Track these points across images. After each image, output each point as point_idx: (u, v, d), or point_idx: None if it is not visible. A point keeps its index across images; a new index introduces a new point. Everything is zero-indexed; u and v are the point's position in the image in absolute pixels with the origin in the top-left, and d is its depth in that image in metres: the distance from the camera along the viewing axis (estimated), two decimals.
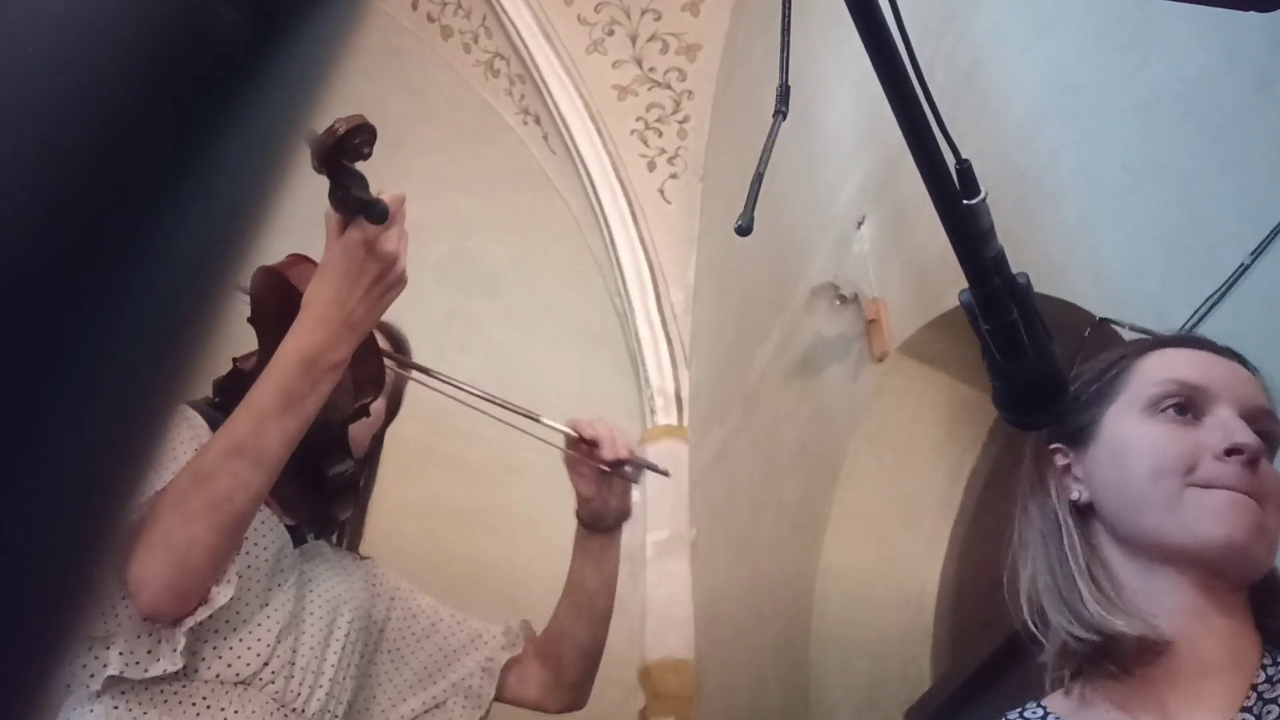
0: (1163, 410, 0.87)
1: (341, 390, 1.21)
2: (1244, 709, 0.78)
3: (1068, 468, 0.92)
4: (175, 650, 1.07)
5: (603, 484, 1.42)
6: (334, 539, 1.40)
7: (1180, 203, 1.64)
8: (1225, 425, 0.85)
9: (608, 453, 1.41)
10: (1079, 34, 2.00)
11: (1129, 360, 0.93)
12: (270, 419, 1.08)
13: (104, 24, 0.16)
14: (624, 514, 1.46)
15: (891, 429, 2.63)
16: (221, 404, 1.30)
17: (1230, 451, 0.83)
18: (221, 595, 1.09)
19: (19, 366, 0.16)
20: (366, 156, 1.08)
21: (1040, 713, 0.86)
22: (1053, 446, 0.94)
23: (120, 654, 1.06)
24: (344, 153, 1.06)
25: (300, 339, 1.10)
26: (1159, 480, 0.84)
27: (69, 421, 0.17)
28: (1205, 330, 1.55)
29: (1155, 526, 0.84)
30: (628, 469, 1.44)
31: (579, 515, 1.46)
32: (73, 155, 0.16)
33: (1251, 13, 0.54)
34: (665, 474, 1.59)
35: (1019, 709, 0.89)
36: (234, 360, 1.35)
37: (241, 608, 1.15)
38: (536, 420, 1.46)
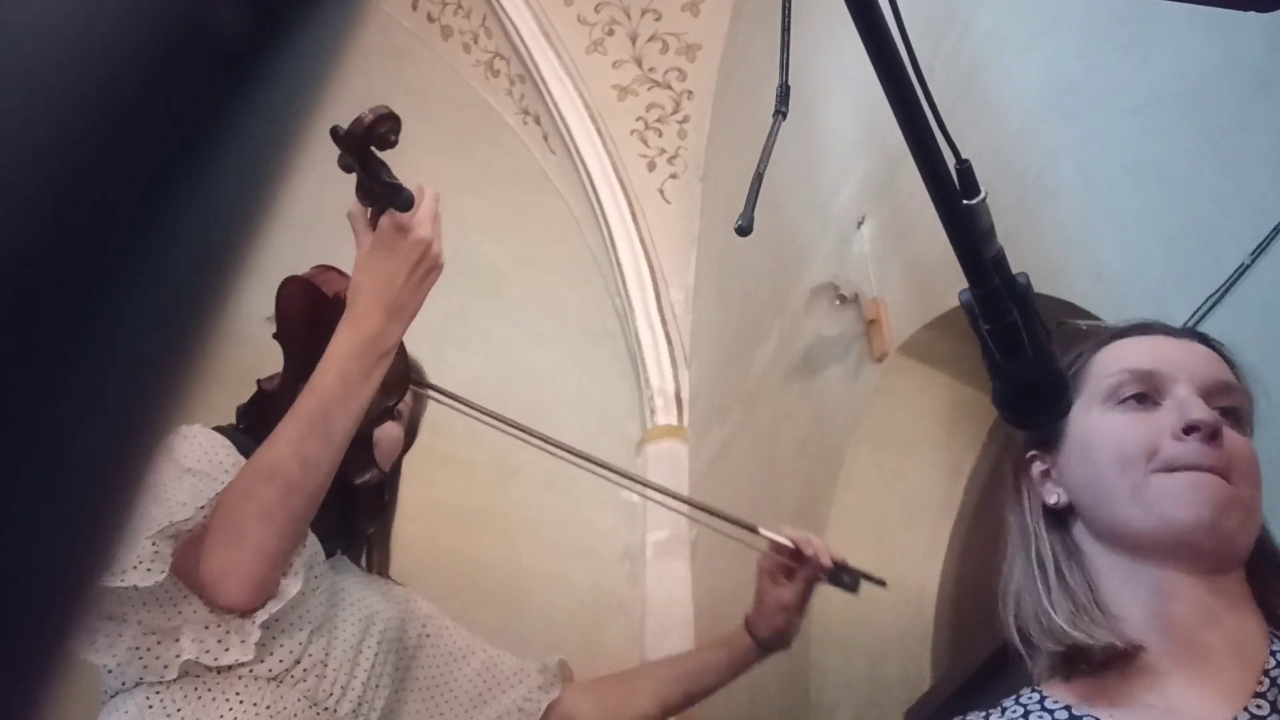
0: (1121, 401, 0.87)
1: None
2: (1257, 694, 0.76)
3: (1046, 472, 0.92)
4: (245, 641, 1.10)
5: (804, 600, 1.45)
6: (362, 561, 1.41)
7: (1180, 203, 1.64)
8: (1182, 404, 0.84)
9: (826, 559, 1.45)
10: (1079, 34, 2.00)
11: (1085, 356, 0.93)
12: (334, 406, 1.12)
13: (102, 24, 0.16)
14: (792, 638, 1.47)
15: (891, 429, 2.63)
16: (248, 428, 1.31)
17: (1188, 430, 0.82)
18: (291, 587, 1.12)
19: (16, 372, 0.16)
20: (393, 144, 1.11)
21: (1036, 697, 0.85)
22: (1029, 454, 0.94)
23: (194, 641, 1.09)
24: (372, 141, 1.09)
25: (355, 326, 1.15)
26: (1124, 470, 0.84)
27: (68, 428, 0.17)
28: (1205, 330, 1.55)
29: (1126, 517, 0.83)
30: (845, 578, 1.46)
31: (757, 629, 1.48)
32: (71, 157, 0.16)
33: (1251, 13, 0.54)
34: (882, 584, 1.58)
35: (1014, 695, 0.88)
36: (258, 382, 1.36)
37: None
38: (755, 532, 1.51)
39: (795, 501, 2.90)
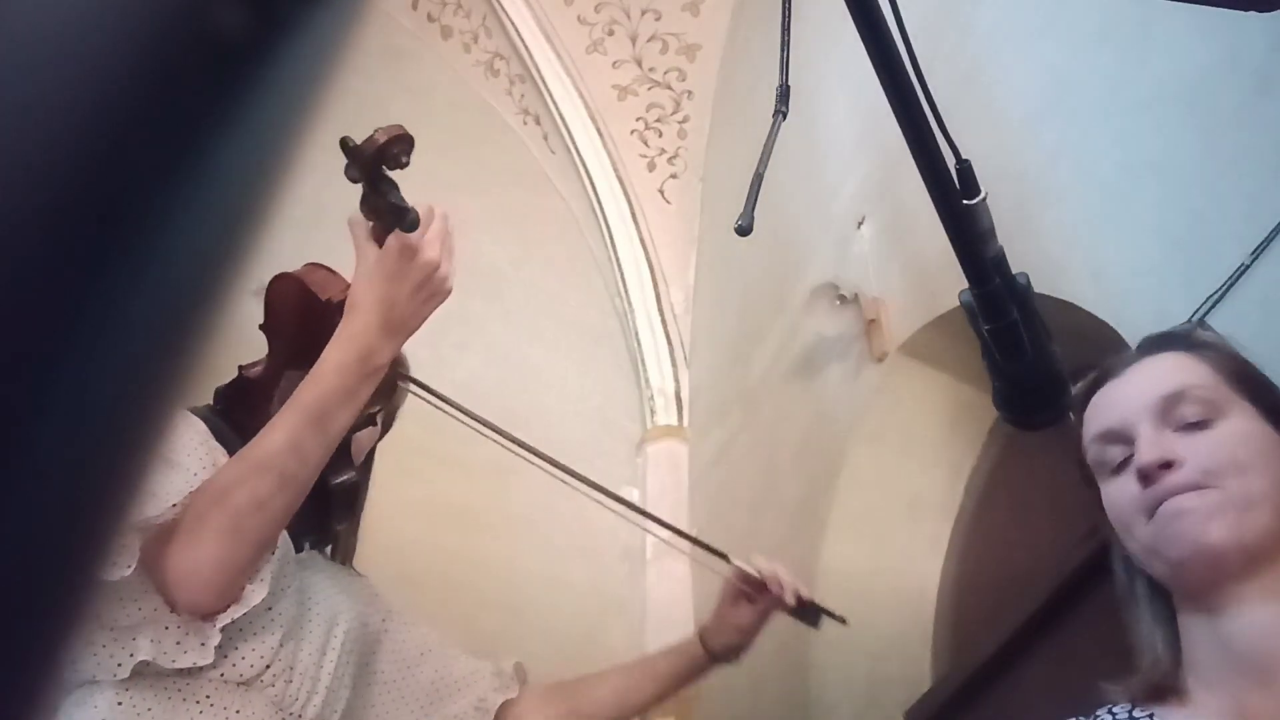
0: (1115, 471, 0.90)
1: None
2: None
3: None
4: (205, 645, 1.09)
5: (759, 624, 1.51)
6: (329, 552, 1.41)
7: (1180, 203, 1.64)
8: (1139, 452, 0.87)
9: (789, 597, 1.49)
10: (1079, 33, 2.00)
11: (1079, 426, 0.96)
12: (313, 423, 1.10)
13: (101, 24, 0.16)
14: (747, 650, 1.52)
15: (891, 429, 2.62)
16: (225, 410, 1.30)
17: (1143, 480, 0.85)
18: (256, 594, 1.11)
19: (19, 369, 0.16)
20: (405, 165, 1.11)
21: (1126, 709, 0.87)
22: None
23: (151, 641, 1.08)
24: (384, 160, 1.09)
25: (349, 340, 1.13)
26: (1131, 535, 0.87)
27: (69, 424, 0.17)
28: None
29: (1156, 572, 0.87)
30: (806, 614, 1.51)
31: (710, 640, 1.51)
32: (70, 157, 0.16)
33: (1251, 13, 0.54)
34: (843, 621, 1.63)
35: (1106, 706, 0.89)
36: (240, 368, 1.36)
37: (248, 610, 1.15)
38: (726, 560, 1.54)
39: (795, 501, 2.89)
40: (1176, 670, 0.85)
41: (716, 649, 1.52)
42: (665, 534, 1.61)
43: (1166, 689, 0.84)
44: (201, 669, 1.11)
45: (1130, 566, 0.92)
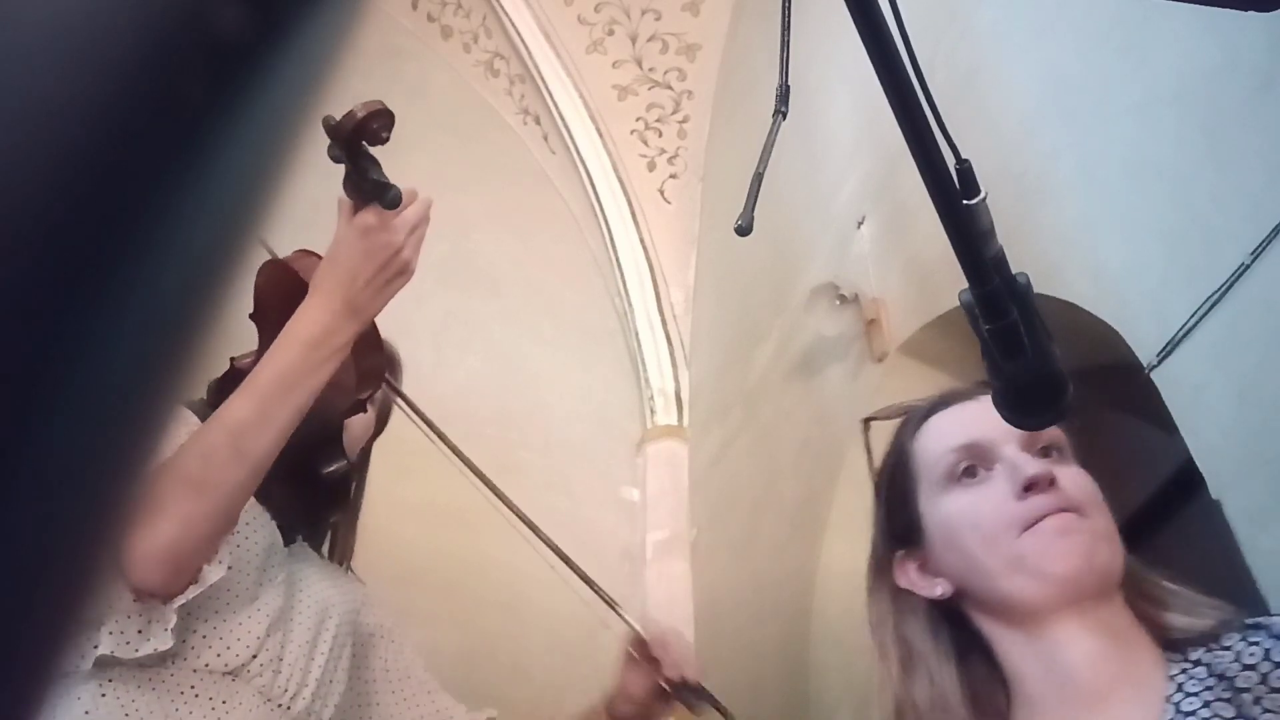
0: (958, 480, 0.89)
1: (341, 385, 1.21)
2: None
3: (922, 567, 0.93)
4: (166, 630, 1.07)
5: (657, 697, 1.41)
6: (324, 551, 1.40)
7: (1180, 203, 1.64)
8: (1012, 466, 0.87)
9: (670, 672, 1.39)
10: (1079, 34, 2.00)
11: (906, 446, 0.97)
12: (272, 399, 1.09)
13: (101, 23, 0.16)
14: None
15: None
16: (218, 404, 1.30)
17: (1027, 487, 0.85)
18: (213, 574, 1.09)
19: (20, 367, 0.16)
20: (384, 141, 1.10)
21: None
22: (897, 553, 0.95)
23: (111, 633, 1.06)
24: (363, 136, 1.09)
25: (306, 320, 1.12)
26: (992, 547, 0.85)
27: (71, 422, 0.17)
28: (1205, 330, 1.55)
29: (1014, 588, 0.84)
30: (689, 696, 1.39)
31: (612, 708, 1.43)
32: (69, 157, 0.16)
33: (1251, 13, 0.54)
34: (729, 716, 1.49)
35: None
36: (231, 360, 1.36)
37: (231, 598, 1.14)
38: (614, 608, 1.47)
39: (795, 501, 2.89)
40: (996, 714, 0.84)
41: (617, 714, 1.44)
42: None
43: None
44: (185, 659, 1.10)
45: (915, 607, 0.91)
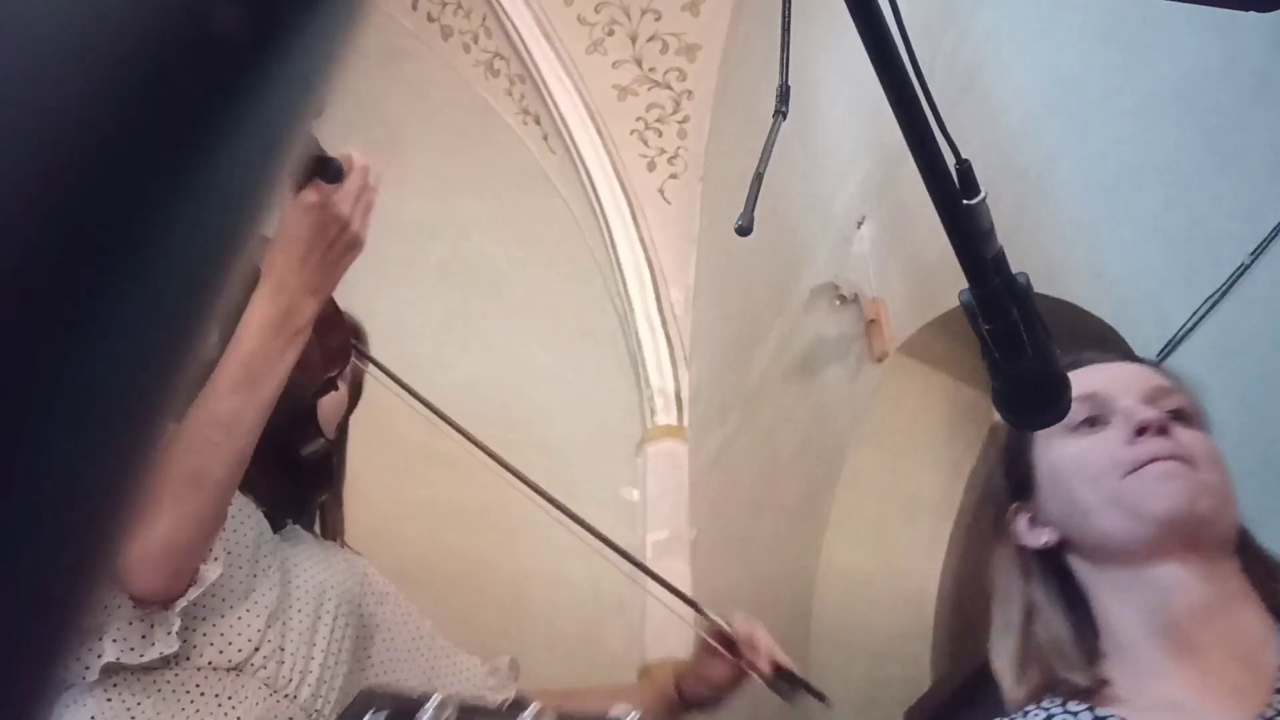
0: (1075, 428, 0.90)
1: (308, 365, 1.21)
2: (1278, 690, 0.76)
3: (1031, 519, 0.94)
4: (170, 633, 1.06)
5: (732, 684, 1.41)
6: (315, 528, 1.39)
7: (1180, 203, 1.64)
8: (1128, 414, 0.88)
9: (764, 664, 1.39)
10: (1079, 34, 2.00)
11: None
12: (241, 389, 1.08)
13: (101, 24, 0.16)
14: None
15: (891, 429, 2.63)
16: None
17: (1139, 430, 0.86)
18: (211, 573, 1.08)
19: (19, 371, 0.16)
20: (319, 113, 1.08)
21: (1058, 701, 0.85)
22: (1013, 506, 0.95)
23: (114, 641, 1.06)
24: None
25: (262, 306, 1.10)
26: (1097, 486, 0.87)
27: (69, 426, 0.17)
28: (1205, 330, 1.55)
29: (1110, 526, 0.85)
30: (783, 685, 1.39)
31: (683, 686, 1.44)
32: (68, 157, 0.16)
33: (1251, 13, 0.54)
34: (824, 699, 1.48)
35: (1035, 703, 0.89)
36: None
37: (227, 594, 1.14)
38: (699, 611, 1.46)
39: (795, 501, 2.89)
40: (1090, 666, 0.84)
41: (688, 695, 1.45)
42: (642, 578, 1.50)
43: (1088, 687, 0.83)
44: (188, 659, 1.09)
45: (1029, 561, 0.92)
